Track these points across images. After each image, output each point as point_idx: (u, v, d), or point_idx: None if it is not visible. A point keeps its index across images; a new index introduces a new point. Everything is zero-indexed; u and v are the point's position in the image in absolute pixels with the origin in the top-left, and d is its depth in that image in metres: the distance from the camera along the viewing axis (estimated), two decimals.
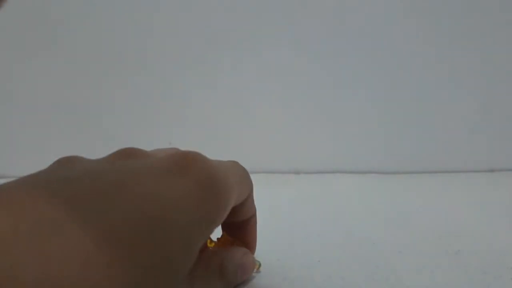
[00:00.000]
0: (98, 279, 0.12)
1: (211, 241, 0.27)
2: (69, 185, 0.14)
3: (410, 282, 0.25)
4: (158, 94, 0.55)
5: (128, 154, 0.19)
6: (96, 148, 0.43)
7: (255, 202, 0.26)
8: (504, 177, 0.53)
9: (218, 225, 0.19)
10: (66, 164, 0.18)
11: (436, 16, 0.50)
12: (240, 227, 0.26)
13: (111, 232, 0.13)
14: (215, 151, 0.49)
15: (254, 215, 0.27)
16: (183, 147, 0.50)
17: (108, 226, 0.13)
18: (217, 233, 0.25)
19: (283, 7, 0.50)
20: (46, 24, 0.53)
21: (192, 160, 0.18)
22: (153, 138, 0.49)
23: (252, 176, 0.22)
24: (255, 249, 0.28)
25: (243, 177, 0.23)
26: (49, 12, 0.53)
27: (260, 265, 0.29)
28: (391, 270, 0.27)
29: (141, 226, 0.14)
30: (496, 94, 0.53)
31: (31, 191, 0.13)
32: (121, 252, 0.13)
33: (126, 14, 0.53)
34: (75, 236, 0.12)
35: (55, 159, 0.19)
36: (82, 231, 0.12)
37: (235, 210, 0.23)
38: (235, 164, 0.23)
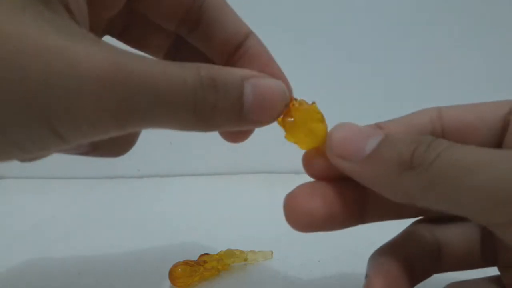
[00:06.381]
0: None
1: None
2: None
3: None
4: None
5: None
6: None
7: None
8: None
9: None
10: None
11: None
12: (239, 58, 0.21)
13: None
14: (215, 151, 0.50)
15: (248, 34, 0.21)
16: (184, 147, 0.50)
17: None
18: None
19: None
20: None
21: None
22: (153, 138, 0.49)
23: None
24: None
25: None
26: None
27: (272, 253, 0.29)
28: None
29: None
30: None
31: None
32: None
33: None
34: None
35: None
36: None
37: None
38: None
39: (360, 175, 0.17)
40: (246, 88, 0.17)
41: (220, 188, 0.45)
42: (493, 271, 0.21)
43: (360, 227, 0.35)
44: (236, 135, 0.22)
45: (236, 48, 0.21)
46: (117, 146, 0.21)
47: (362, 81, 0.50)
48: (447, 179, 0.15)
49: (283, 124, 0.19)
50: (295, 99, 0.19)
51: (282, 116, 0.19)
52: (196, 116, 0.16)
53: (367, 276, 0.19)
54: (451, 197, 0.15)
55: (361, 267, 0.28)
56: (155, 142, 0.48)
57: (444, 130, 0.20)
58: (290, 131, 0.19)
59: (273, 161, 0.49)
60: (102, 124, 0.15)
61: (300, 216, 0.18)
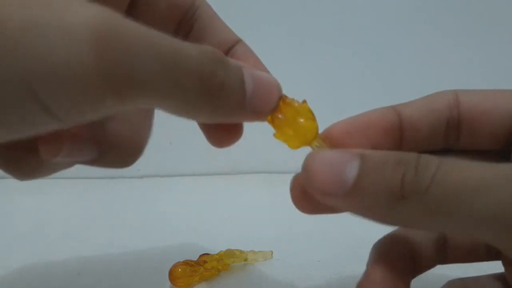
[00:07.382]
0: None
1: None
2: None
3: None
4: None
5: None
6: None
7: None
8: None
9: None
10: None
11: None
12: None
13: None
14: (215, 151, 0.49)
15: (237, 42, 0.22)
16: (184, 147, 0.50)
17: None
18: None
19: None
20: None
21: None
22: (153, 139, 0.49)
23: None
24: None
25: None
26: None
27: (272, 253, 0.29)
28: None
29: None
30: None
31: None
32: None
33: None
34: None
35: None
36: None
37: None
38: None
39: (350, 208, 0.16)
40: (246, 76, 0.16)
41: (220, 188, 0.45)
42: (498, 264, 0.20)
43: (360, 227, 0.35)
44: (224, 137, 0.21)
45: (225, 53, 0.21)
46: (124, 154, 0.20)
47: (361, 81, 0.50)
48: (447, 207, 0.14)
49: (273, 122, 0.19)
50: (285, 97, 0.19)
51: (271, 113, 0.18)
52: (203, 91, 0.15)
53: (367, 264, 0.19)
54: (454, 225, 0.14)
55: (361, 267, 0.28)
56: (155, 142, 0.47)
57: (460, 117, 0.19)
58: (280, 128, 0.19)
59: (273, 161, 0.49)
60: (97, 92, 0.12)
61: (306, 199, 0.18)
